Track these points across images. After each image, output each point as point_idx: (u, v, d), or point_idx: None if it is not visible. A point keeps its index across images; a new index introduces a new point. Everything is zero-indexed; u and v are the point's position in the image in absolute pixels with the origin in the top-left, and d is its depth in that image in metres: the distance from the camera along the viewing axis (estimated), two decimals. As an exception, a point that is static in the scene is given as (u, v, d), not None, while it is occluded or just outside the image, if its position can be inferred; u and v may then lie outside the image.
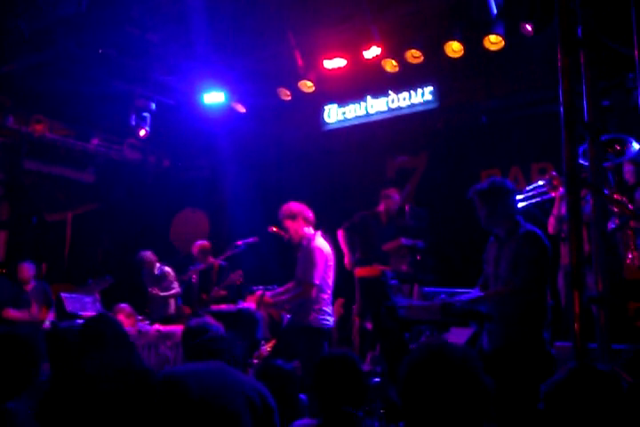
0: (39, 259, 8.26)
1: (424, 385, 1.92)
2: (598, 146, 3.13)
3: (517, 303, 3.71)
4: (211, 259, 7.34)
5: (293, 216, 5.26)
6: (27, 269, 7.74)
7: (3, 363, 2.53)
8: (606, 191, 4.91)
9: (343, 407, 2.56)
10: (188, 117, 9.19)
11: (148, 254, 8.12)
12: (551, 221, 5.60)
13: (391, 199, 7.14)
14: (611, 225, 4.65)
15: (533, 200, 5.69)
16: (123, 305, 6.25)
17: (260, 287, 5.47)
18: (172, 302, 7.96)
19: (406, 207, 7.21)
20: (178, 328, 6.03)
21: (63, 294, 7.09)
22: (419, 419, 1.93)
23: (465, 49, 6.76)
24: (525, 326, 3.68)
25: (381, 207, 7.14)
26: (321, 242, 5.27)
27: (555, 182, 5.62)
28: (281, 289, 5.41)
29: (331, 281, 5.24)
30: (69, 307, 6.91)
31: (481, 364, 2.00)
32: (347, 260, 6.99)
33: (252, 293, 5.45)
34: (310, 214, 5.31)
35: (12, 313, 7.41)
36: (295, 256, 5.41)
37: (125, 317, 6.10)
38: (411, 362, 2.00)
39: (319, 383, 2.64)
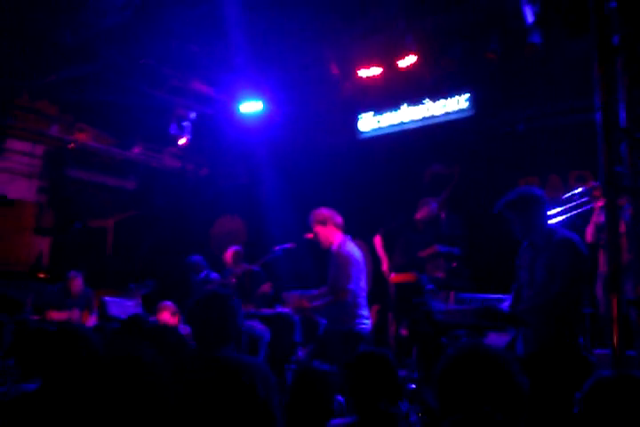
0: (82, 265, 8.45)
1: (460, 384, 1.95)
2: (636, 150, 3.14)
3: (553, 309, 3.70)
4: (244, 265, 7.43)
5: (324, 222, 5.31)
6: (77, 283, 7.90)
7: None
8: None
9: (379, 405, 2.59)
10: (227, 126, 9.35)
11: (196, 260, 8.22)
12: (590, 230, 5.56)
13: (428, 207, 7.17)
14: None
15: (574, 211, 5.65)
16: (167, 303, 6.31)
17: (297, 292, 5.54)
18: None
19: (442, 215, 7.23)
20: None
21: (106, 298, 7.25)
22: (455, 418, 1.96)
23: (501, 56, 6.77)
24: (560, 331, 3.67)
25: (418, 215, 7.18)
26: (351, 247, 5.31)
27: (595, 193, 5.58)
28: (316, 292, 5.47)
29: (364, 284, 5.28)
30: (112, 310, 7.06)
31: (517, 364, 2.03)
32: (385, 266, 7.03)
33: (289, 297, 5.52)
34: (340, 219, 5.35)
35: (54, 315, 7.57)
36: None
37: (170, 315, 6.16)
38: (447, 361, 2.04)
39: (353, 381, 2.68)
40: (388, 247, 7.18)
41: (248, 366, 2.80)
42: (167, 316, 6.07)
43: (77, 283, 7.89)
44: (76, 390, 2.58)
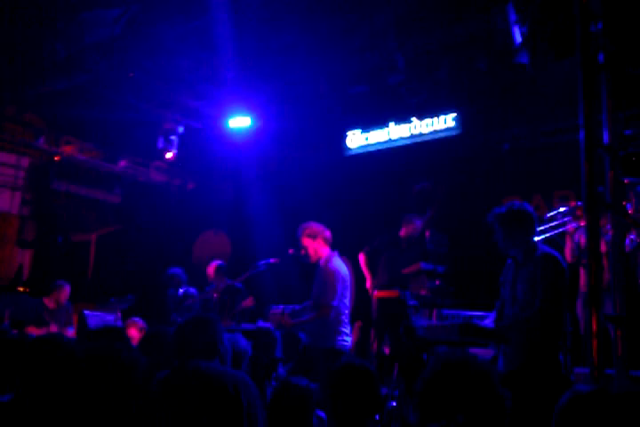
0: (63, 278, 8.37)
1: (440, 393, 1.93)
2: (618, 168, 3.16)
3: (534, 326, 3.69)
4: (226, 280, 7.42)
5: (313, 235, 5.31)
6: (64, 293, 7.85)
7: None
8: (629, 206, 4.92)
9: (358, 418, 2.55)
10: (214, 141, 9.34)
11: (176, 273, 8.21)
12: (568, 249, 5.61)
13: (412, 225, 7.18)
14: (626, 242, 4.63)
15: (557, 231, 5.69)
16: (135, 319, 6.26)
17: (280, 307, 5.51)
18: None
19: (427, 233, 7.23)
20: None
21: (86, 312, 7.17)
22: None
23: (489, 76, 6.83)
24: (541, 349, 3.66)
25: (402, 232, 7.18)
26: (338, 263, 5.30)
27: (578, 213, 5.63)
28: (298, 307, 5.44)
29: (348, 301, 5.27)
30: (92, 324, 6.97)
31: (497, 375, 2.01)
32: (368, 283, 7.01)
33: (271, 312, 5.49)
34: (329, 234, 5.36)
35: (33, 331, 7.47)
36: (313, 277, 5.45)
37: (137, 331, 6.09)
38: (428, 371, 2.02)
39: (332, 393, 2.64)
40: (371, 265, 7.17)
41: (232, 377, 2.81)
42: (134, 332, 6.01)
43: (65, 292, 7.85)
44: (57, 394, 2.53)
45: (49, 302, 7.87)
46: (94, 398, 1.92)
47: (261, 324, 5.53)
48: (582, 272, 5.63)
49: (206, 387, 2.68)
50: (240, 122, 8.71)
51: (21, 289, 9.28)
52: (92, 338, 3.29)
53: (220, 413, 2.66)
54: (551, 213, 5.78)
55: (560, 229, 5.66)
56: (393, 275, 6.83)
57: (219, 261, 7.75)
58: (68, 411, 2.18)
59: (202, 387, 2.69)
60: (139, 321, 6.24)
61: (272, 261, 6.11)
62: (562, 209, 5.75)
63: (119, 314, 7.54)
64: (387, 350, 6.54)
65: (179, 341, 3.05)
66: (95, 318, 7.15)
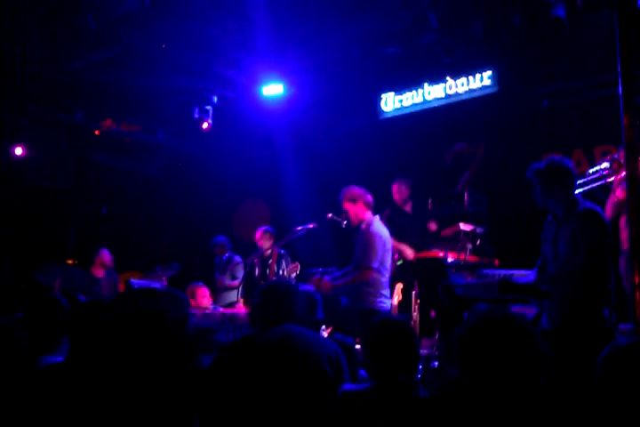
0: (108, 248, 8.57)
1: (480, 346, 1.94)
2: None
3: (577, 281, 3.67)
4: (272, 245, 7.53)
5: (354, 199, 5.32)
6: (106, 256, 8.14)
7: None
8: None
9: (396, 374, 2.57)
10: (249, 110, 9.34)
11: (222, 241, 8.40)
12: (609, 205, 5.51)
13: (397, 186, 7.35)
14: None
15: (596, 184, 5.59)
16: (199, 283, 6.63)
17: (319, 270, 5.57)
18: (236, 291, 8.18)
19: (465, 193, 7.17)
20: (241, 311, 6.26)
21: (132, 280, 7.36)
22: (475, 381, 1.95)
23: (525, 31, 6.66)
24: (585, 304, 3.64)
25: (396, 198, 7.33)
26: (379, 226, 5.32)
27: (615, 166, 5.51)
28: (339, 273, 5.49)
29: (389, 265, 5.29)
30: (138, 292, 7.16)
31: (536, 329, 2.01)
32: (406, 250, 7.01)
33: (311, 275, 5.55)
34: (370, 198, 5.37)
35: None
36: (353, 241, 5.48)
37: (200, 296, 6.45)
38: (467, 325, 2.03)
39: (371, 347, 2.67)
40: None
41: (329, 353, 2.93)
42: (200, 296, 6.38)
43: (106, 256, 8.10)
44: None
45: (96, 271, 8.10)
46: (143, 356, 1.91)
47: (303, 286, 5.60)
48: (623, 231, 5.53)
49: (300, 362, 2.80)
50: (273, 89, 8.68)
51: (70, 262, 9.55)
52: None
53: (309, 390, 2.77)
54: (593, 169, 5.67)
55: (601, 182, 5.55)
56: (418, 240, 6.87)
57: (265, 227, 7.87)
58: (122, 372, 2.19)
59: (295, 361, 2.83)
60: (202, 286, 6.60)
61: (310, 226, 6.17)
62: (604, 165, 5.63)
63: (165, 282, 7.73)
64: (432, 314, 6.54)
65: (262, 306, 3.17)
66: (142, 286, 7.33)
